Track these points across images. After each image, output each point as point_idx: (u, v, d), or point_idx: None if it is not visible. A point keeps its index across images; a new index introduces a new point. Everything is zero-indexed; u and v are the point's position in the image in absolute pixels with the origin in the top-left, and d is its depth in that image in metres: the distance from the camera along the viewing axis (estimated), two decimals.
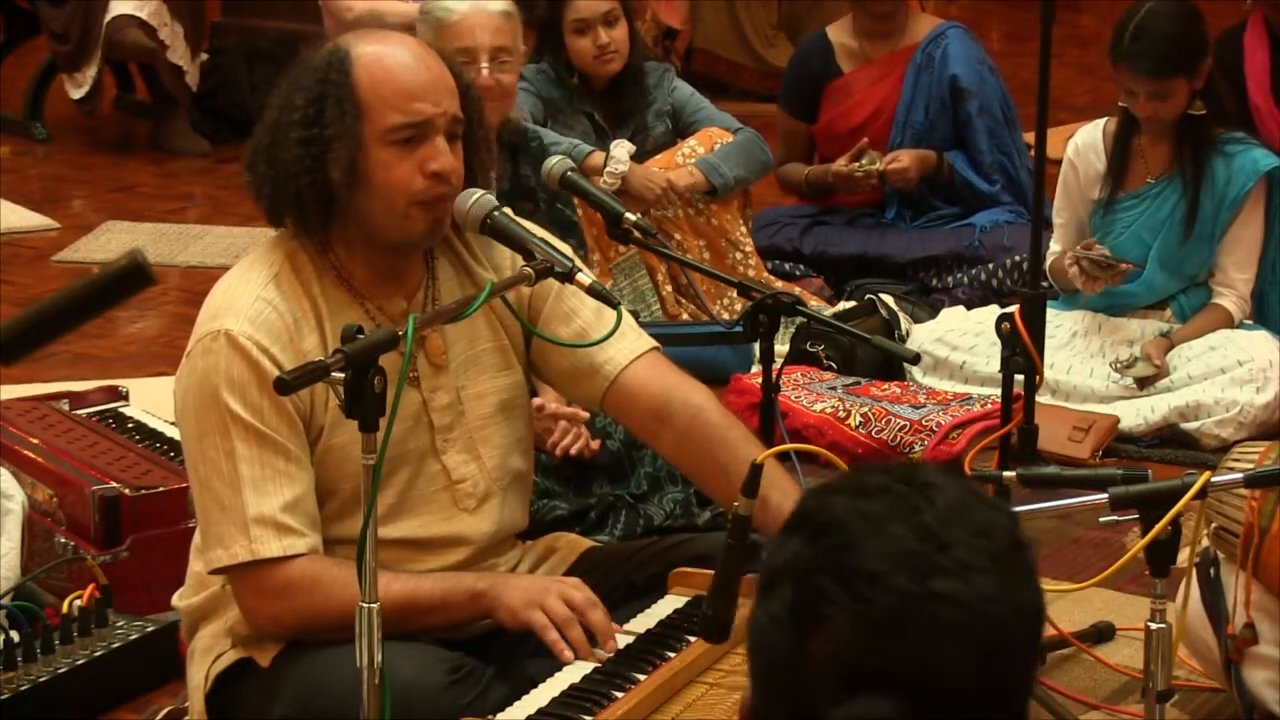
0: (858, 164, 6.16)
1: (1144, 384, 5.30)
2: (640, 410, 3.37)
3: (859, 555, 1.60)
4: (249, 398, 3.14)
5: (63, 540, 4.17)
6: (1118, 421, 5.21)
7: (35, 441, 4.42)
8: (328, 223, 3.23)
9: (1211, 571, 3.53)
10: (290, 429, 3.17)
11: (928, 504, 1.64)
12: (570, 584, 3.22)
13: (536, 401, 4.08)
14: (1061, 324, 5.47)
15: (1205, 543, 3.51)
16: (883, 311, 5.73)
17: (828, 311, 5.64)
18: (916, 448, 5.05)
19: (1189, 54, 5.21)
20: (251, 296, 3.20)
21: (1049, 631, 3.79)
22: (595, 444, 4.53)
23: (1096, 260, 5.32)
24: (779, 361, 3.95)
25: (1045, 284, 5.20)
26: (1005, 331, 3.77)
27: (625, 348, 3.37)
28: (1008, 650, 1.61)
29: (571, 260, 3.16)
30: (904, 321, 5.74)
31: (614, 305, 3.16)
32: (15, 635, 3.79)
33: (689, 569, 3.30)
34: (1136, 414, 5.24)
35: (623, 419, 3.51)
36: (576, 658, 3.11)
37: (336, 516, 3.23)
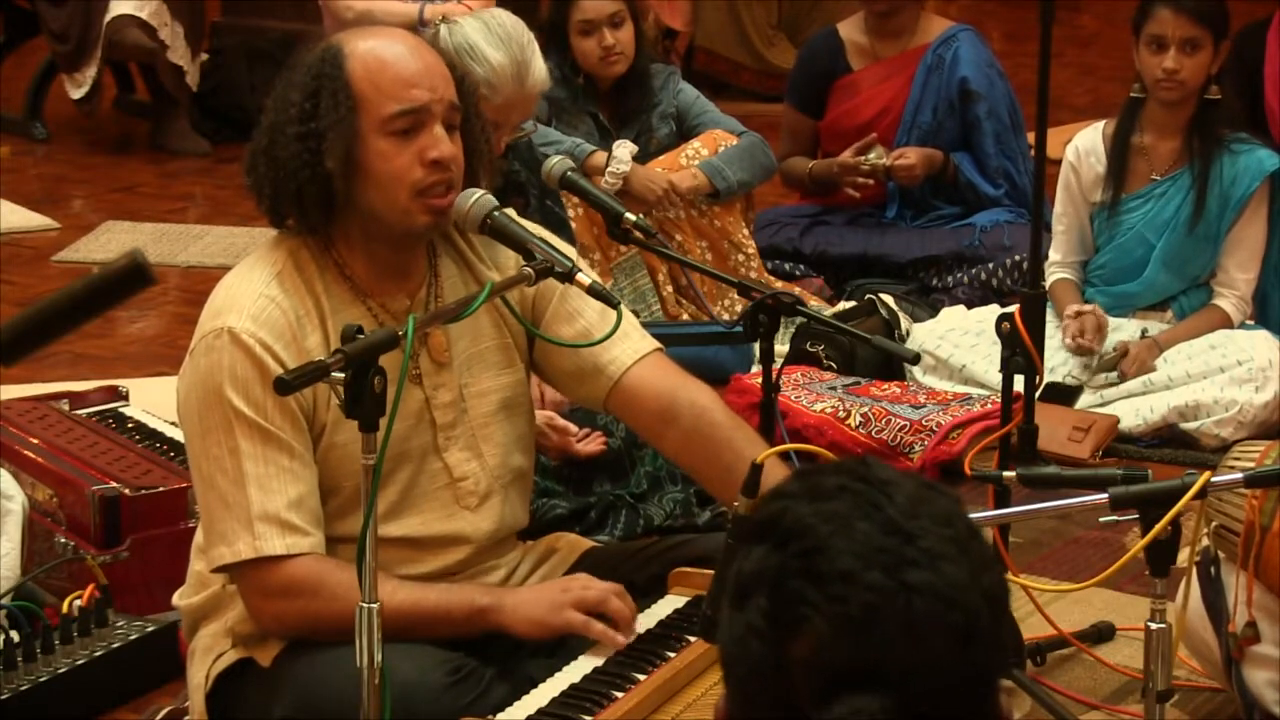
0: (864, 158, 6.17)
1: (1103, 370, 5.30)
2: (645, 410, 3.37)
3: (830, 556, 1.61)
4: (252, 395, 3.14)
5: (63, 540, 4.17)
6: (1118, 421, 5.20)
7: (35, 441, 4.42)
8: (330, 219, 3.23)
9: (1212, 570, 3.53)
10: (294, 426, 3.17)
11: (887, 499, 1.65)
12: (581, 577, 3.23)
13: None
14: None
15: (1206, 541, 3.51)
16: (883, 311, 5.73)
17: (828, 311, 5.64)
18: (916, 448, 5.05)
19: (1221, 13, 5.24)
20: (254, 294, 3.20)
21: (1049, 631, 3.80)
22: (603, 440, 4.53)
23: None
24: (779, 361, 3.95)
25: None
26: (1005, 331, 3.77)
27: (629, 348, 3.37)
28: (981, 634, 1.63)
29: (572, 260, 3.16)
30: (904, 321, 5.74)
31: (614, 305, 3.16)
32: (15, 635, 3.79)
33: (689, 569, 3.30)
34: (1136, 414, 5.24)
35: (627, 419, 3.50)
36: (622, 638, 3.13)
37: (338, 515, 3.23)
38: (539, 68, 4.27)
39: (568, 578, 3.28)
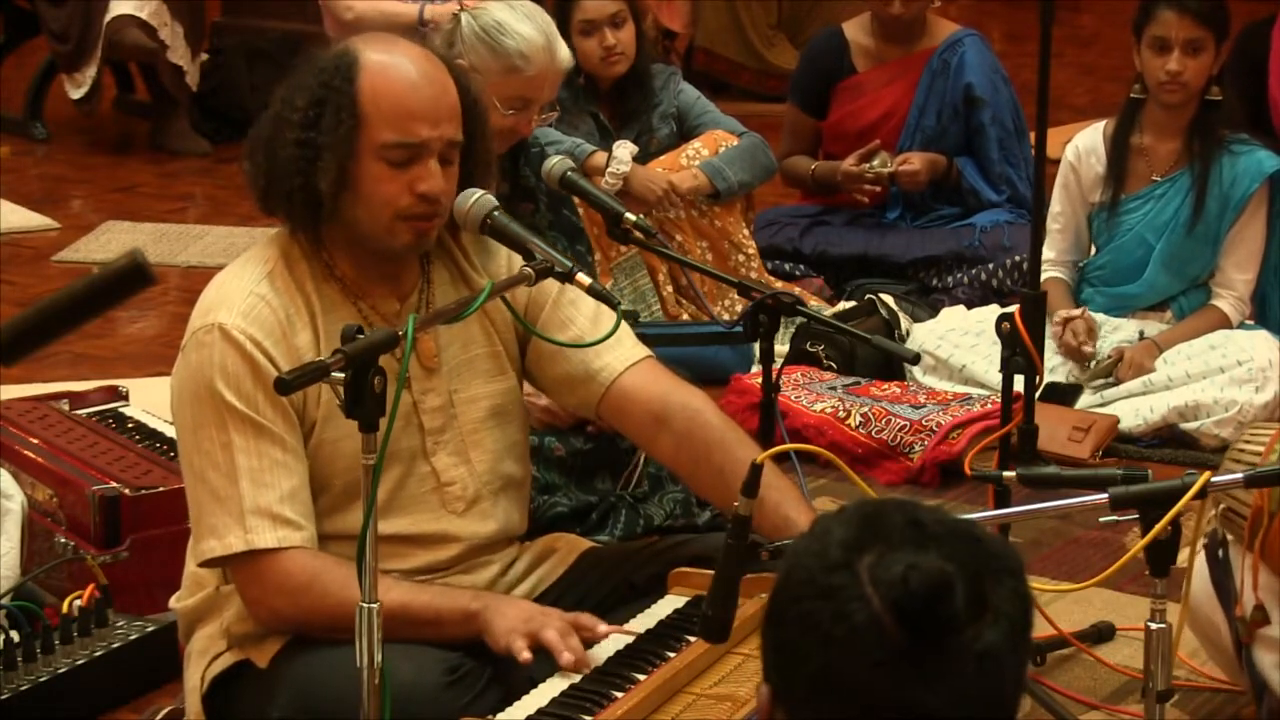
0: (868, 165, 6.17)
1: (1098, 376, 5.31)
2: (638, 414, 3.38)
3: (890, 512, 1.82)
4: (243, 390, 3.15)
5: (63, 540, 4.17)
6: (1118, 421, 5.20)
7: (35, 441, 4.42)
8: (317, 223, 3.24)
9: (1220, 553, 3.53)
10: (285, 421, 3.17)
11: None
12: (554, 614, 3.18)
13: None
14: None
15: (1213, 524, 3.51)
16: (883, 311, 5.73)
17: (828, 311, 5.64)
18: (916, 448, 5.05)
19: (1223, 14, 5.25)
20: (245, 292, 3.21)
21: (1049, 631, 3.79)
22: None
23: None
24: (779, 361, 3.95)
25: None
26: (1005, 331, 3.77)
27: (621, 354, 3.38)
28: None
29: (571, 261, 3.16)
30: (904, 321, 5.74)
31: (614, 306, 3.17)
32: (15, 635, 3.79)
33: (689, 569, 3.30)
34: (1136, 414, 5.24)
35: (620, 424, 3.49)
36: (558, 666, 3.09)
37: (328, 512, 3.23)
38: (564, 44, 4.38)
39: (545, 608, 3.22)
